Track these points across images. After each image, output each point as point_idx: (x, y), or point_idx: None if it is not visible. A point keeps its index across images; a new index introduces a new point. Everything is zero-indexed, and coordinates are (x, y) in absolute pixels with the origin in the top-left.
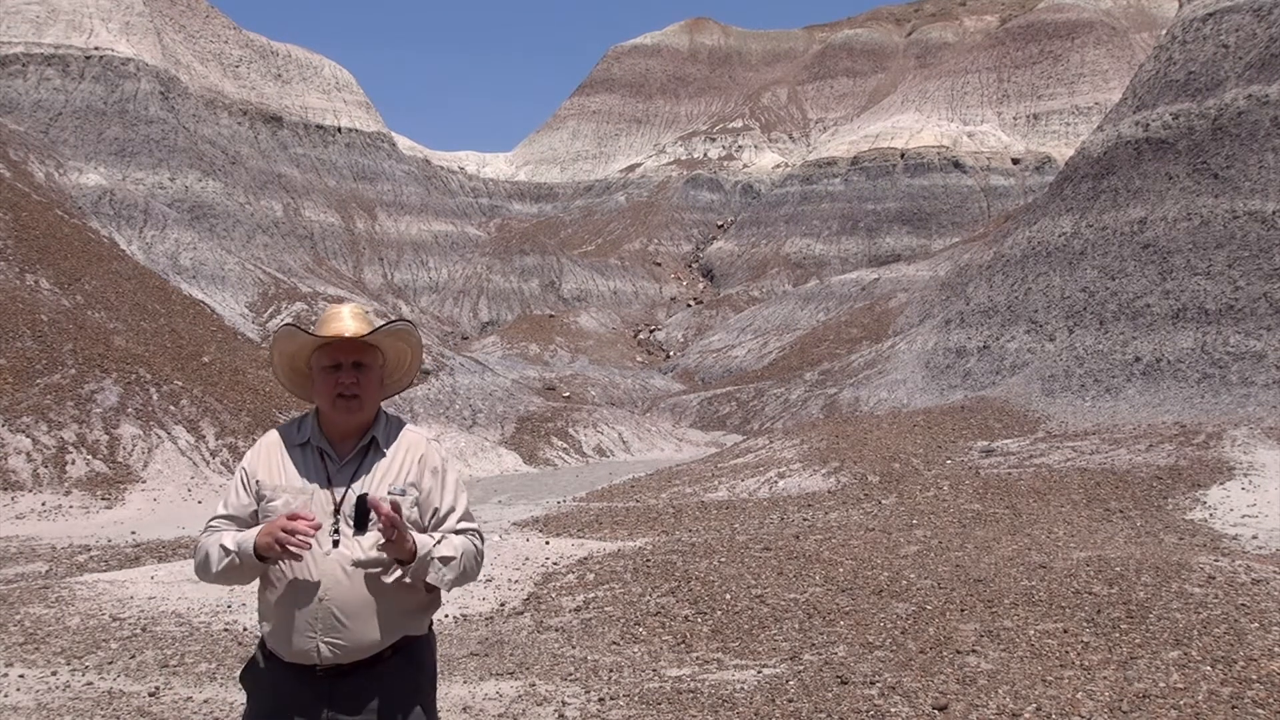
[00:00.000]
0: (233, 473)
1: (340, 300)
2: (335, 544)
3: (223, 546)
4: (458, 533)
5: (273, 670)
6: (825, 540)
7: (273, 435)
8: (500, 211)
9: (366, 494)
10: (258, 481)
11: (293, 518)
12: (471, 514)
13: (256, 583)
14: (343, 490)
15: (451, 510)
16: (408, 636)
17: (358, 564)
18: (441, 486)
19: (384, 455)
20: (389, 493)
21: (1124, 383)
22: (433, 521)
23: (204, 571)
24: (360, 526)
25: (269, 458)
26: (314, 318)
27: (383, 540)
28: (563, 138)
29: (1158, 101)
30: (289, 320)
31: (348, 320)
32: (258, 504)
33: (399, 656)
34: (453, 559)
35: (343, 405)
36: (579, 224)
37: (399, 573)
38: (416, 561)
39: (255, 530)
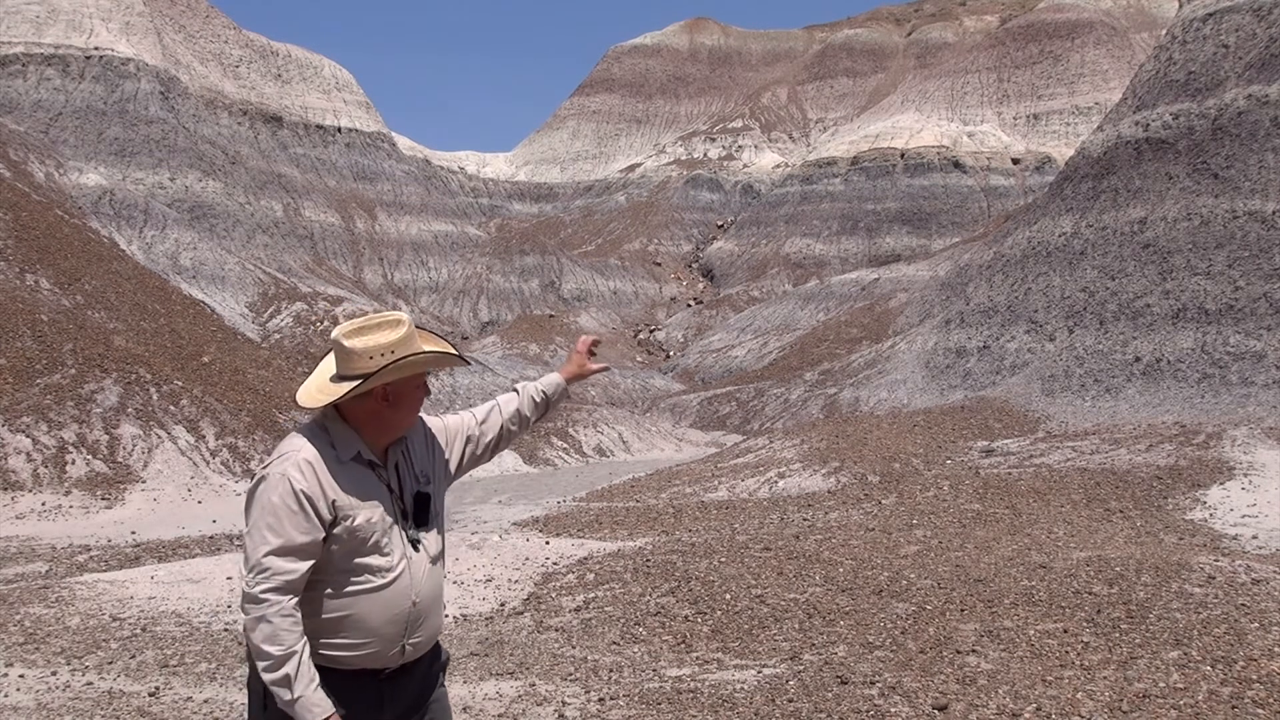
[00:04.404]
0: (233, 473)
1: (340, 300)
2: (415, 546)
3: (303, 665)
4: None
5: (329, 683)
6: (825, 540)
7: (309, 453)
8: (500, 211)
9: (426, 492)
10: (334, 502)
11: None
12: None
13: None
14: (398, 494)
15: (474, 408)
16: None
17: (434, 560)
18: (454, 414)
19: (407, 448)
20: (418, 482)
21: (1124, 383)
22: (482, 422)
23: (257, 636)
24: (421, 523)
25: (324, 477)
26: (315, 318)
27: (595, 368)
28: (563, 138)
29: (1158, 101)
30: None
31: (427, 340)
32: (333, 528)
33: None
34: None
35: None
36: (579, 224)
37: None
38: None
39: (318, 692)
